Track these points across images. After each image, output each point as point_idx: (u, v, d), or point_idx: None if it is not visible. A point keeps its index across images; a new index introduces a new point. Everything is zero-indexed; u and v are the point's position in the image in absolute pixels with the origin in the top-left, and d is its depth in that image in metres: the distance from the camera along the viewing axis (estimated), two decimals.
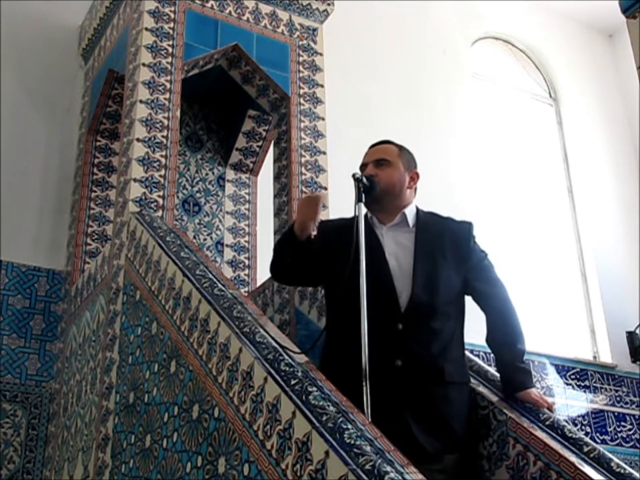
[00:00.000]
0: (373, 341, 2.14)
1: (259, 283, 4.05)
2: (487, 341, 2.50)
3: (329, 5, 4.08)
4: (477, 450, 2.41)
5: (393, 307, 2.36)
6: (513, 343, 2.45)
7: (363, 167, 2.58)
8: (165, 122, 3.43)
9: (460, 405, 2.38)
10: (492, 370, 2.61)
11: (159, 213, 3.24)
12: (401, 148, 2.63)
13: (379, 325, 2.23)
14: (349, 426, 1.77)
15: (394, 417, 2.20)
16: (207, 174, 4.41)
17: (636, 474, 2.08)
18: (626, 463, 2.16)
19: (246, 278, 4.25)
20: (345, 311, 2.31)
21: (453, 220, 2.62)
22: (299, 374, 1.99)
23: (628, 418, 5.30)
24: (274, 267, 2.60)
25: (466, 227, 2.60)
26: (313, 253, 2.52)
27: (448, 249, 2.50)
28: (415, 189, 2.64)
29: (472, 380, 2.53)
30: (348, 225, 2.42)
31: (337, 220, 2.67)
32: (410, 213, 2.57)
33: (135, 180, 3.27)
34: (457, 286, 2.48)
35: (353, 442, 1.70)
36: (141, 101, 3.42)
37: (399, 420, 2.22)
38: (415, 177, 2.62)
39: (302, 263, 2.51)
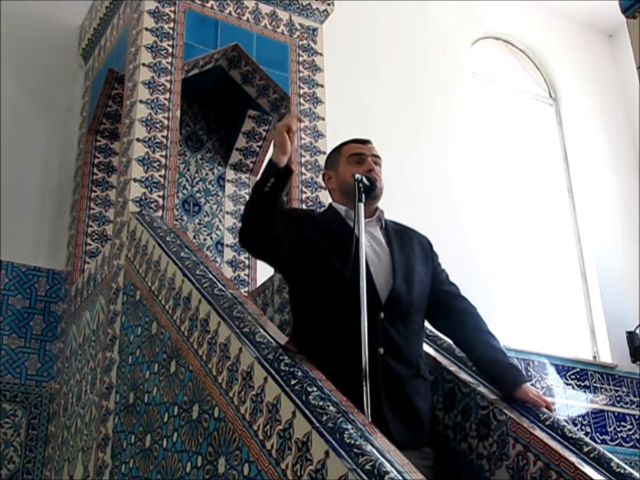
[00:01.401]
0: (355, 329, 2.15)
1: (259, 283, 4.05)
2: (466, 341, 2.52)
3: (328, 4, 4.08)
4: (454, 447, 2.45)
5: (373, 298, 2.35)
6: (494, 341, 2.48)
7: (358, 156, 2.56)
8: (165, 122, 3.43)
9: (428, 401, 2.43)
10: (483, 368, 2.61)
11: (159, 213, 3.24)
12: None
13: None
14: (349, 426, 1.77)
15: (372, 405, 2.16)
16: (207, 174, 4.41)
17: (636, 474, 2.08)
18: (626, 463, 2.16)
19: (246, 278, 4.25)
20: (330, 304, 2.34)
21: (412, 228, 2.68)
22: (299, 374, 1.99)
23: (628, 418, 5.30)
24: (249, 223, 2.38)
25: (425, 237, 2.67)
26: (286, 226, 2.39)
27: (417, 250, 2.56)
28: None
29: (472, 380, 2.54)
30: (323, 216, 2.54)
31: (304, 210, 2.67)
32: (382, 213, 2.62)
33: (135, 180, 3.27)
34: (427, 284, 2.54)
35: (353, 442, 1.70)
36: (140, 101, 3.42)
37: (375, 408, 2.18)
38: None
39: (275, 218, 2.34)
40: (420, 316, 2.50)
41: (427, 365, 2.52)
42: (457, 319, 2.54)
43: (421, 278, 2.50)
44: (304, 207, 3.56)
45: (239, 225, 4.33)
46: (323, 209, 2.70)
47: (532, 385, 2.52)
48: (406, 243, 2.55)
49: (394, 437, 2.16)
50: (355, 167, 2.52)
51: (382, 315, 2.36)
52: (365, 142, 2.64)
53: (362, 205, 2.35)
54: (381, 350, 2.31)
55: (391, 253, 2.48)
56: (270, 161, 2.34)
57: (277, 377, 1.98)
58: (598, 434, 5.08)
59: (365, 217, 2.49)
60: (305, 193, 3.61)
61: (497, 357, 2.45)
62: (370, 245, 2.48)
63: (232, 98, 4.22)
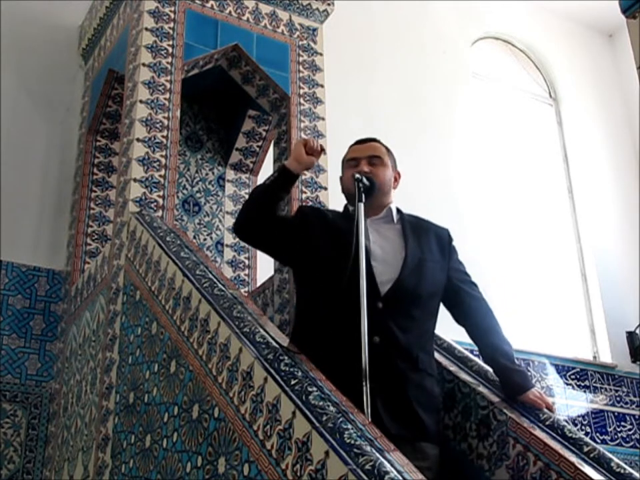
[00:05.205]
0: (353, 319, 2.17)
1: (259, 283, 4.05)
2: (479, 344, 2.51)
3: (328, 4, 4.08)
4: (454, 447, 2.44)
5: (372, 289, 2.34)
6: (504, 345, 2.48)
7: (354, 161, 2.59)
8: (165, 122, 3.43)
9: (430, 395, 2.40)
10: (492, 370, 2.61)
11: (159, 213, 3.24)
12: (387, 147, 2.68)
13: (359, 305, 2.24)
14: (349, 426, 1.77)
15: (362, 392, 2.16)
16: (207, 174, 4.41)
17: (636, 474, 2.08)
18: (626, 463, 2.16)
19: (246, 278, 4.25)
20: (327, 296, 2.36)
21: (432, 222, 2.68)
22: (299, 374, 1.99)
23: (628, 418, 5.30)
24: (244, 214, 2.58)
25: (446, 230, 2.67)
26: (288, 224, 2.60)
27: (433, 244, 2.56)
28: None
29: (472, 380, 2.54)
30: (334, 214, 2.59)
31: (319, 208, 2.72)
32: (394, 209, 2.62)
33: (135, 180, 3.27)
34: (441, 281, 2.53)
35: (353, 442, 1.70)
36: (140, 101, 3.42)
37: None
38: (397, 177, 2.69)
39: (273, 218, 2.53)
40: (427, 311, 2.48)
41: (433, 360, 2.50)
42: (471, 319, 2.54)
43: (433, 273, 2.49)
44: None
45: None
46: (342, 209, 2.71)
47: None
48: (422, 237, 2.55)
49: (385, 427, 2.16)
50: (352, 171, 2.54)
51: (380, 305, 2.36)
52: (364, 142, 2.66)
53: (362, 205, 2.36)
54: (377, 338, 2.31)
55: (406, 246, 2.49)
56: (282, 164, 2.52)
57: (276, 376, 1.98)
58: (598, 434, 5.09)
59: (371, 215, 2.54)
60: (305, 192, 3.61)
61: (505, 363, 2.45)
62: (375, 241, 2.49)
63: (232, 98, 4.22)
